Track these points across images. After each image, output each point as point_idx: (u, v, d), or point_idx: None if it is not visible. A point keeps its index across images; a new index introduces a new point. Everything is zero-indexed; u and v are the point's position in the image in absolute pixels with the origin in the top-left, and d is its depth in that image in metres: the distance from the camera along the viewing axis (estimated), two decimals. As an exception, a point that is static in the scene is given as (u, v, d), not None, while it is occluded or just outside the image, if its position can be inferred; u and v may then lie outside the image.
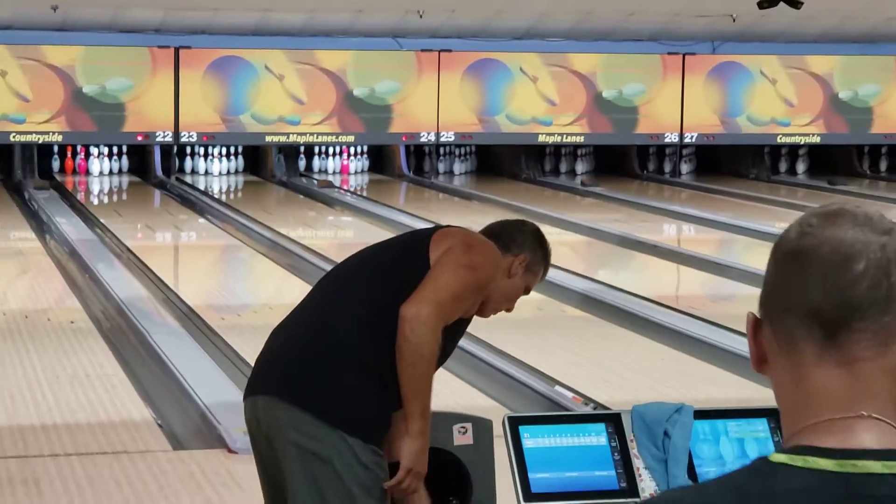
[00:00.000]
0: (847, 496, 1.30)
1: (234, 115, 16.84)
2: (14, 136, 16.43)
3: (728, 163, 18.64)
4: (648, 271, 11.71)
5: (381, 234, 8.66)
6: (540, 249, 3.63)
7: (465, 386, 6.86)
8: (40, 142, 16.65)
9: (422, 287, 3.36)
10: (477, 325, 3.76)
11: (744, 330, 1.51)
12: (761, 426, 3.18)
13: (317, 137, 17.27)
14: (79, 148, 17.27)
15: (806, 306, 1.36)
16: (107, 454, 6.02)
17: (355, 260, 3.63)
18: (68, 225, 13.32)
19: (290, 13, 15.52)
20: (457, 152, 18.25)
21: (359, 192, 16.88)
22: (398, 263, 3.50)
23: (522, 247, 3.59)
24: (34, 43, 16.19)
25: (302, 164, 17.93)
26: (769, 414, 3.17)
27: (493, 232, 3.63)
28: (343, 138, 17.35)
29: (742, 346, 8.14)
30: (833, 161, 18.78)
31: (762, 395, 6.86)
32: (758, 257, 12.66)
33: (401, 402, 3.40)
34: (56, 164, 17.27)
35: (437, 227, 3.56)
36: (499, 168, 18.08)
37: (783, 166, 18.94)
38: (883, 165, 19.06)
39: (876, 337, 1.35)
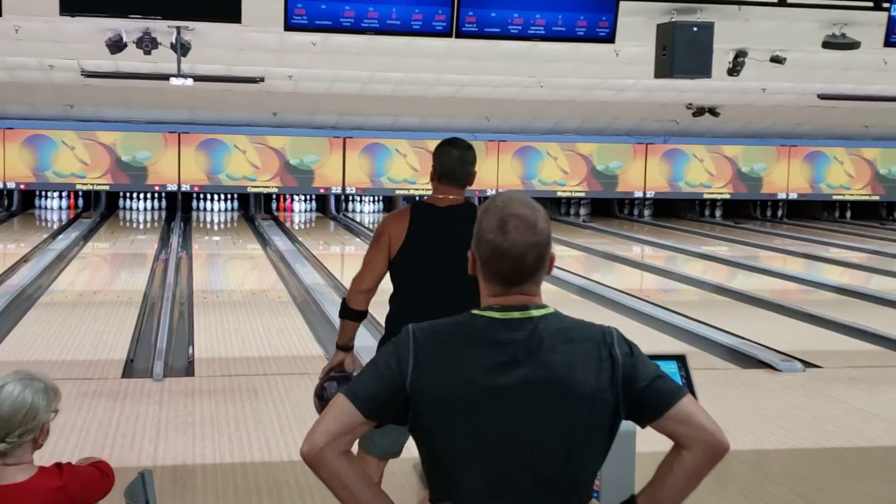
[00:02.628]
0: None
1: (377, 177, 16.92)
2: (249, 189, 16.68)
3: (673, 209, 18.41)
4: (624, 274, 11.62)
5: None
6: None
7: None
8: (265, 192, 16.88)
9: None
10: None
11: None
12: (673, 366, 2.99)
13: (426, 191, 17.28)
14: (287, 195, 17.50)
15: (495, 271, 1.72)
16: (296, 374, 6.11)
17: None
18: (279, 241, 13.49)
19: (410, 118, 15.59)
20: (509, 201, 18.22)
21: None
22: None
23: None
24: (262, 134, 16.42)
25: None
26: (677, 359, 3.02)
27: None
28: (442, 192, 17.38)
29: (679, 321, 8.12)
30: (738, 209, 18.51)
31: (677, 347, 6.82)
32: (691, 267, 12.55)
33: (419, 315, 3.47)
34: (274, 205, 17.48)
35: None
36: (534, 211, 18.01)
37: (707, 212, 18.68)
38: (769, 213, 18.77)
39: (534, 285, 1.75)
